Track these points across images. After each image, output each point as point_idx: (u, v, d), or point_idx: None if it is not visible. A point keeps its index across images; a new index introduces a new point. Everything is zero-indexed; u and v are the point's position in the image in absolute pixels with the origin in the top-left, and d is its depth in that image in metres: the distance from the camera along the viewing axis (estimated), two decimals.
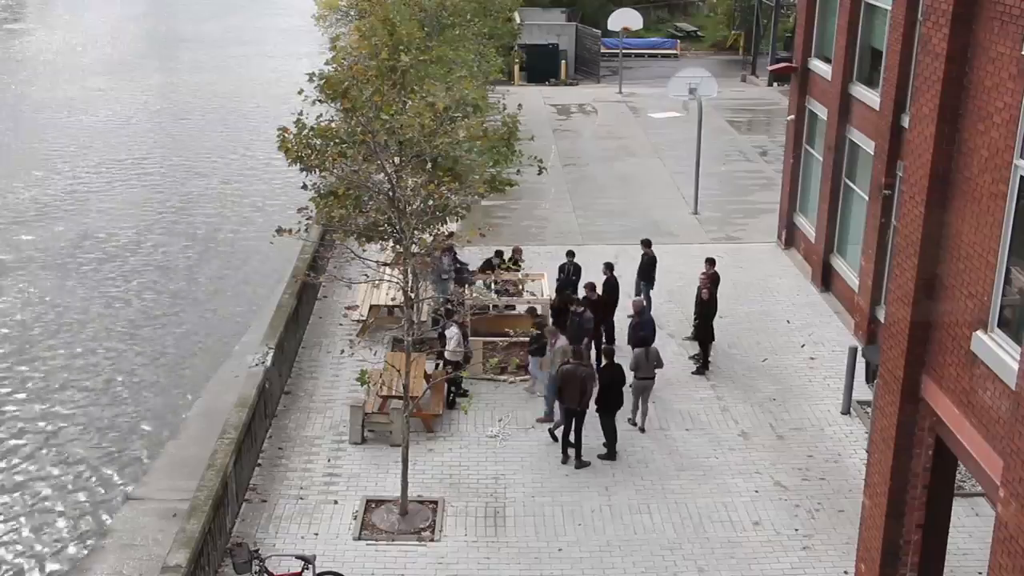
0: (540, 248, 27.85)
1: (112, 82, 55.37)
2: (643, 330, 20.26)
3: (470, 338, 20.66)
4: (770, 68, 39.53)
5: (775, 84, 49.11)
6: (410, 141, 15.54)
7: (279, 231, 15.68)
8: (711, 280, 22.19)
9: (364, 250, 17.37)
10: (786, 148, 28.92)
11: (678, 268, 26.37)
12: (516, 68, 49.46)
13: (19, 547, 18.33)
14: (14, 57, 63.87)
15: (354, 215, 16.48)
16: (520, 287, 23.58)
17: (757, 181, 35.64)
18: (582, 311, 20.63)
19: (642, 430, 19.29)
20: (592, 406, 18.29)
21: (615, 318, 22.41)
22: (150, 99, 51.98)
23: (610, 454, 18.40)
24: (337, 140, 16.88)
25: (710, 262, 22.92)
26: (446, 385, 19.84)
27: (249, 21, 78.19)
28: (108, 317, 27.23)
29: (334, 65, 17.69)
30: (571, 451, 18.35)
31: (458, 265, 23.47)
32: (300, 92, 18.06)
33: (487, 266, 24.01)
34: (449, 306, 20.50)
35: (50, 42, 68.59)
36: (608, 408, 18.35)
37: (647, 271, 23.56)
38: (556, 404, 18.75)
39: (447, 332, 19.67)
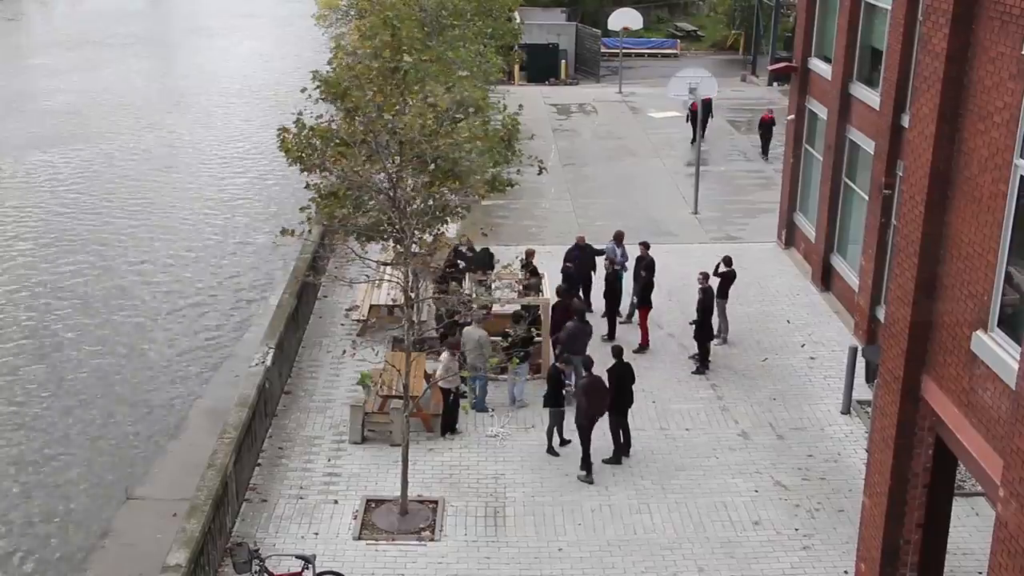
0: (540, 248, 27.68)
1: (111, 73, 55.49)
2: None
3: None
4: (770, 68, 39.45)
5: (775, 84, 49.02)
6: (411, 141, 15.54)
7: (283, 232, 15.70)
8: (706, 278, 22.03)
9: (366, 251, 17.36)
10: (786, 148, 28.91)
11: (678, 268, 26.35)
12: (516, 68, 49.42)
13: (20, 547, 18.33)
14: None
15: (355, 215, 16.48)
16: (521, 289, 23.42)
17: (757, 181, 35.62)
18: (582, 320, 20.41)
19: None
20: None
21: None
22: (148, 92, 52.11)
23: (615, 458, 18.30)
24: (338, 140, 16.88)
25: (725, 261, 22.86)
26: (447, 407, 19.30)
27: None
28: (106, 317, 27.25)
29: (334, 65, 17.72)
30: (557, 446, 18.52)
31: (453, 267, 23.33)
32: (304, 90, 18.09)
33: (478, 262, 23.74)
34: (448, 307, 20.35)
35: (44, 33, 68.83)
36: (620, 408, 18.29)
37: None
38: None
39: (441, 356, 18.87)
